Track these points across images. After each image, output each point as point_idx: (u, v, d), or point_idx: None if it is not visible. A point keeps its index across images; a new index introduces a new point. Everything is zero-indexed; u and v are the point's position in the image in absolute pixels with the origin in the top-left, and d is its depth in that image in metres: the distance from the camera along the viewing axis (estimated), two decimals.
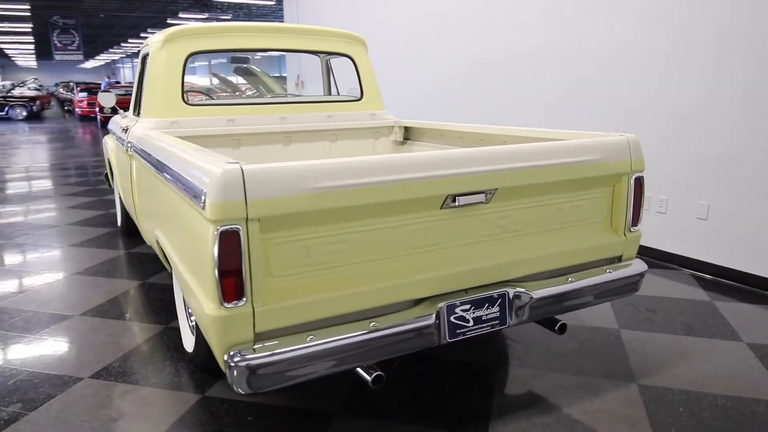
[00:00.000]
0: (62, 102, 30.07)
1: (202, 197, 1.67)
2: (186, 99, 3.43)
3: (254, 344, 1.75)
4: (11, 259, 4.40)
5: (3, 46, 40.81)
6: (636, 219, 2.43)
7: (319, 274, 1.87)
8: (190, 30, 3.43)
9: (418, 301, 2.04)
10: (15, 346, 2.89)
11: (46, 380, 2.53)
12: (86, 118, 20.22)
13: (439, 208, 2.00)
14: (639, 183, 2.40)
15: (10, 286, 3.76)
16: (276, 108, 3.71)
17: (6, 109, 20.69)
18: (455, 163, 1.96)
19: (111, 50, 44.36)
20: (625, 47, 4.27)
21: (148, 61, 3.46)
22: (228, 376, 1.71)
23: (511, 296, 2.13)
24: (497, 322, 2.14)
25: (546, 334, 2.93)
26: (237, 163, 1.68)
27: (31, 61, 52.70)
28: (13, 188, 7.58)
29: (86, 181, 7.99)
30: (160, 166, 2.40)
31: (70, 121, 20.64)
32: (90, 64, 55.49)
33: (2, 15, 24.97)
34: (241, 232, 1.65)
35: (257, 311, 1.73)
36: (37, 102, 22.01)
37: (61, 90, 33.59)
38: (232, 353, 1.70)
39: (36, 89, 27.69)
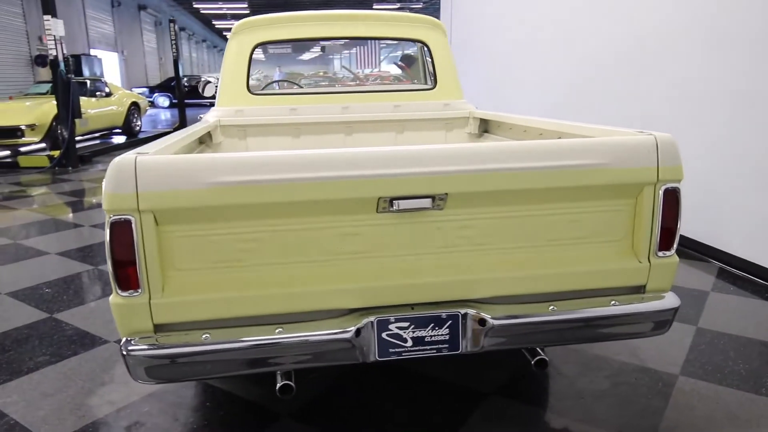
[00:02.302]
0: None
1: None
2: (250, 88, 3.55)
3: (155, 335, 1.75)
4: None
5: None
6: (668, 242, 1.90)
7: (230, 272, 1.78)
8: (258, 21, 3.52)
9: (352, 312, 1.85)
10: (83, 305, 3.30)
11: (81, 338, 2.85)
12: None
13: (375, 211, 1.77)
14: (672, 196, 1.86)
15: None
16: (340, 97, 3.66)
17: None
18: (386, 162, 1.72)
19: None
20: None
21: (225, 52, 3.66)
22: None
23: (465, 319, 1.83)
24: (446, 346, 1.84)
25: (579, 367, 2.48)
26: (137, 154, 1.67)
27: (259, 56, 59.98)
28: None
29: None
30: None
31: None
32: (307, 56, 61.37)
33: (230, 14, 28.76)
34: (133, 224, 1.64)
35: (155, 303, 1.70)
36: None
37: None
38: (124, 341, 1.72)
39: (257, 80, 31.34)
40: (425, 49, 3.70)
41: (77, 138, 9.08)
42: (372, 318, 1.78)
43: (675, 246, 1.89)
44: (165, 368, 1.72)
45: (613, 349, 2.60)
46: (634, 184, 1.82)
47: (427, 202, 1.75)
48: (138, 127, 12.51)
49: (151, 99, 20.93)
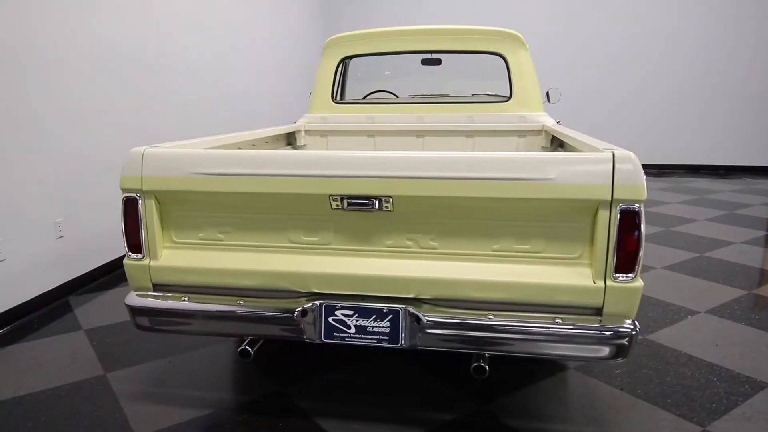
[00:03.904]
0: None
1: None
2: (335, 98, 3.86)
3: (152, 292, 2.09)
4: None
5: None
6: (627, 265, 1.82)
7: (211, 248, 2.06)
8: (346, 37, 3.80)
9: (310, 295, 2.03)
10: None
11: None
12: None
13: (330, 208, 1.93)
14: (631, 217, 1.78)
15: None
16: (415, 107, 3.80)
17: None
18: (334, 164, 1.87)
19: None
20: None
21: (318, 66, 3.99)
22: None
23: (406, 315, 1.93)
24: (387, 338, 1.94)
25: (560, 370, 2.44)
26: (147, 147, 2.01)
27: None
28: None
29: None
30: None
31: None
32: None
33: None
34: (139, 201, 1.99)
35: (152, 266, 2.06)
36: None
37: None
38: (129, 294, 2.08)
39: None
40: (503, 60, 3.68)
41: None
42: (319, 302, 1.96)
43: (637, 270, 1.81)
44: (152, 320, 2.05)
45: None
46: (585, 200, 1.77)
47: (372, 203, 1.88)
48: None
49: None
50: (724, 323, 3.03)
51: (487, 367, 1.94)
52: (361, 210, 1.90)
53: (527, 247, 1.89)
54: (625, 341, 1.81)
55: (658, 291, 3.52)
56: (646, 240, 4.65)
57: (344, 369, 2.56)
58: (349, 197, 1.88)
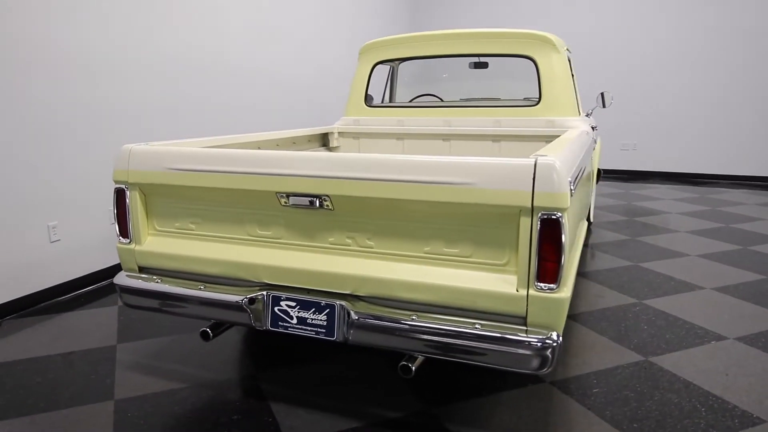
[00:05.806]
0: None
1: None
2: (367, 102, 4.04)
3: (139, 273, 2.35)
4: None
5: None
6: (548, 274, 1.75)
7: (184, 237, 2.28)
8: (379, 42, 3.97)
9: (263, 286, 2.17)
10: None
11: None
12: None
13: (280, 205, 2.06)
14: (552, 225, 1.72)
15: None
16: (444, 111, 3.84)
17: None
18: (279, 163, 1.99)
19: None
20: None
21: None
22: None
23: (340, 310, 2.00)
24: (324, 331, 2.04)
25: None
26: (135, 144, 2.28)
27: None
28: None
29: None
30: None
31: None
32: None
33: None
34: (126, 192, 2.26)
35: (137, 250, 2.32)
36: None
37: None
38: (119, 274, 2.35)
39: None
40: (533, 64, 3.60)
41: None
42: (265, 292, 2.10)
43: (559, 280, 1.75)
44: (133, 298, 2.31)
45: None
46: (506, 206, 1.75)
47: (311, 201, 1.98)
48: None
49: None
50: (750, 352, 2.75)
51: (413, 367, 1.95)
52: (304, 207, 2.02)
53: (456, 251, 1.90)
54: (548, 353, 1.77)
55: (691, 313, 3.24)
56: (715, 259, 4.35)
57: (321, 361, 2.67)
58: (293, 195, 2.00)
